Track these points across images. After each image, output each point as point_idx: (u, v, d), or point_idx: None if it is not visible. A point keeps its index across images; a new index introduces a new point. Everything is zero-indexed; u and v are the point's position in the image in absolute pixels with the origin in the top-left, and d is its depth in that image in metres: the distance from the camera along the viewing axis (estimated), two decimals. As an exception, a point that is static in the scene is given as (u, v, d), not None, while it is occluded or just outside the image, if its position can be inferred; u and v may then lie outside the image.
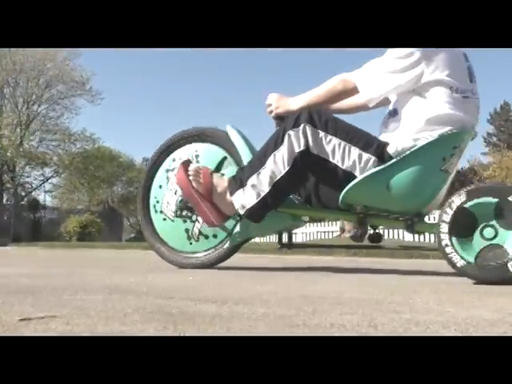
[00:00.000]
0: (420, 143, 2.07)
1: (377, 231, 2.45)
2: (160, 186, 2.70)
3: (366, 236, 2.45)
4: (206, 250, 2.56)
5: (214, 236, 2.55)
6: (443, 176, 2.13)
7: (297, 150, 2.13)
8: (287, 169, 2.15)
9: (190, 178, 2.30)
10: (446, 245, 1.89)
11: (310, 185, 2.34)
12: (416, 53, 2.05)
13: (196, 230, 2.57)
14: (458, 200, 1.89)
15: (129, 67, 47.96)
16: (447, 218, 1.89)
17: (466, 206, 1.88)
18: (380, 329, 0.98)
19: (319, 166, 2.16)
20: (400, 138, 2.12)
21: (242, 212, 2.26)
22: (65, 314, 1.12)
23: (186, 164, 2.39)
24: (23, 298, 1.40)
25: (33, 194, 24.80)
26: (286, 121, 2.23)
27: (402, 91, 2.13)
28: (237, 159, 2.52)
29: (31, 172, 24.71)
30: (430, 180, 2.10)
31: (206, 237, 2.56)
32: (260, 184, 2.18)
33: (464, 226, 1.88)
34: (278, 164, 2.15)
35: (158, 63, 48.79)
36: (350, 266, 3.33)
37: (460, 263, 1.87)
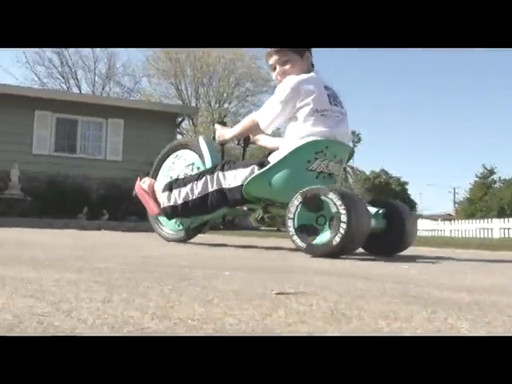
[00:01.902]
0: (287, 151, 2.83)
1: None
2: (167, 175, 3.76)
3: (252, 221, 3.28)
4: (176, 230, 3.66)
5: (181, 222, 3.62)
6: (312, 174, 2.83)
7: (210, 189, 3.12)
8: (196, 197, 3.17)
9: (141, 182, 3.52)
10: (292, 234, 2.54)
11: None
12: (288, 89, 2.83)
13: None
14: (296, 201, 2.54)
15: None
16: (291, 214, 2.56)
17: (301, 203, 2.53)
18: None
19: (232, 190, 3.05)
20: (278, 150, 2.98)
21: (161, 206, 3.35)
22: (314, 291, 1.13)
23: (141, 177, 3.62)
24: (259, 276, 1.46)
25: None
26: (206, 168, 3.34)
27: (286, 118, 2.91)
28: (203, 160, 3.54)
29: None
30: (299, 177, 2.75)
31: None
32: (178, 196, 3.25)
33: (304, 217, 2.52)
34: (194, 191, 3.19)
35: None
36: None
37: (301, 245, 2.50)
